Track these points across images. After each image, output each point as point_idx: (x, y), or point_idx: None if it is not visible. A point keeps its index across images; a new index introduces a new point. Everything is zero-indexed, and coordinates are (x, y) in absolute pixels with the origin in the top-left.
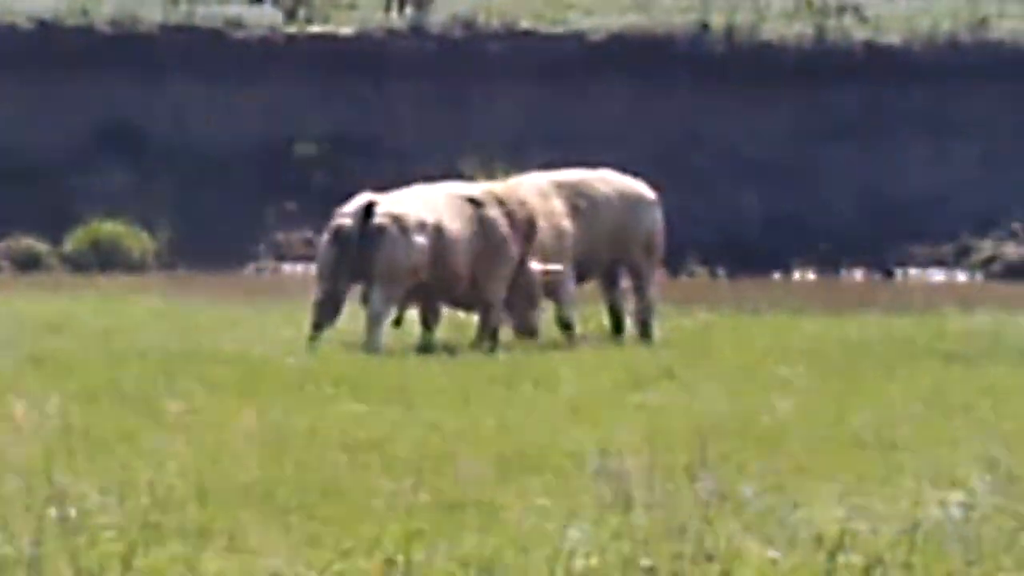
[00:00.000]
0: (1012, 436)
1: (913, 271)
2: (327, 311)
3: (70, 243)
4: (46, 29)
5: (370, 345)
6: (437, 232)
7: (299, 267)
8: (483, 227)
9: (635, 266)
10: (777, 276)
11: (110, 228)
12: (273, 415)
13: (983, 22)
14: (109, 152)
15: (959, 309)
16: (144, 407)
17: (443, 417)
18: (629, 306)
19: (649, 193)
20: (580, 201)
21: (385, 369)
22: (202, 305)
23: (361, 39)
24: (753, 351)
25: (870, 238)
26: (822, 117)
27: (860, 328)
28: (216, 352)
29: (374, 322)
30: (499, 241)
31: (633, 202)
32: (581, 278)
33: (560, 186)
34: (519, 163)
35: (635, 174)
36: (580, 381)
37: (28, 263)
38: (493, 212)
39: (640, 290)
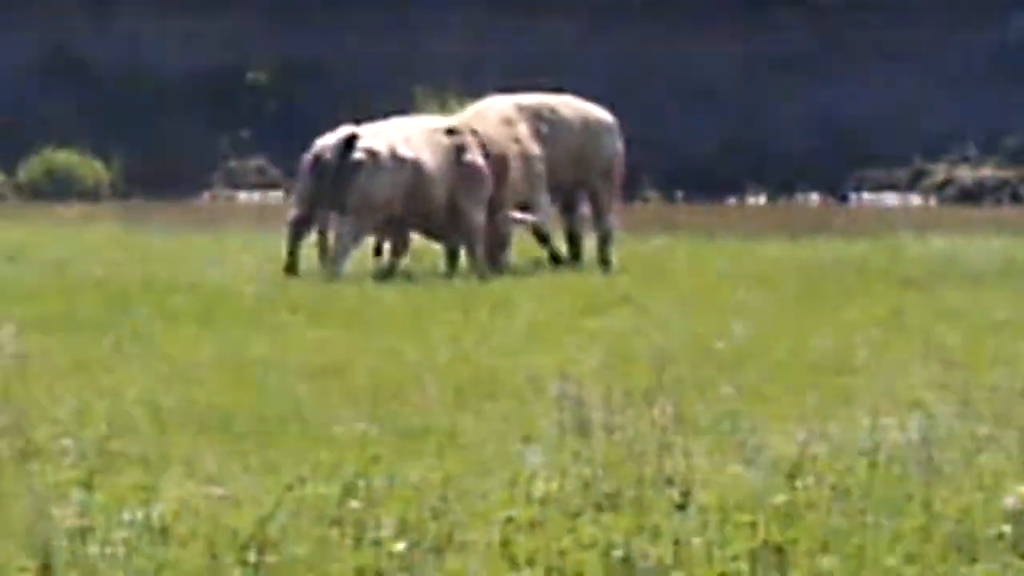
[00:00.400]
0: (969, 359)
1: (867, 195)
2: (300, 235)
3: (23, 173)
4: None
5: (333, 270)
6: (415, 167)
7: (254, 195)
8: (459, 156)
9: (594, 191)
10: (732, 201)
11: (63, 157)
12: (231, 343)
13: None
14: (61, 81)
15: (914, 233)
16: (99, 336)
17: (401, 343)
18: (587, 232)
19: (609, 118)
20: (542, 125)
21: (342, 296)
22: (158, 233)
23: None
24: (710, 276)
25: (824, 163)
26: (774, 43)
27: (816, 252)
28: (173, 281)
29: (341, 251)
30: (475, 169)
31: (594, 127)
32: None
33: (522, 109)
34: (471, 90)
35: (593, 100)
36: (537, 307)
37: None
38: (468, 140)
39: (599, 216)
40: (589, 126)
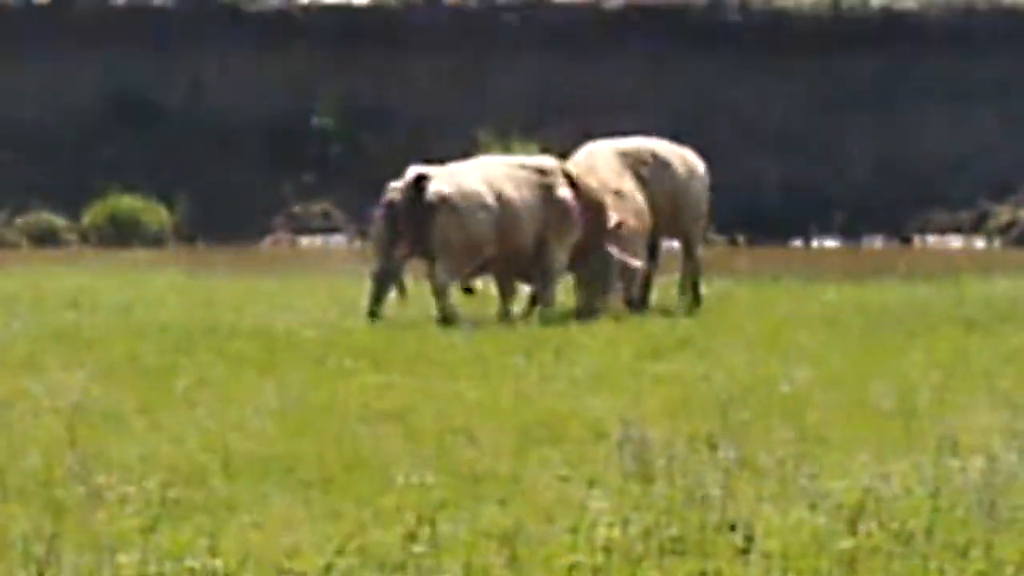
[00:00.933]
0: None
1: (932, 238)
2: (382, 286)
3: (88, 217)
4: (62, 2)
5: (442, 316)
6: (501, 205)
7: (317, 239)
8: (546, 195)
9: (688, 233)
10: (796, 244)
11: (128, 202)
12: (293, 388)
13: None
14: (126, 126)
15: (978, 275)
16: (164, 381)
17: (463, 388)
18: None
19: (701, 163)
20: (642, 168)
21: (405, 341)
22: (221, 278)
23: (376, 10)
24: (773, 319)
25: (888, 205)
26: (839, 85)
27: (879, 295)
28: (236, 326)
29: (439, 293)
30: (566, 208)
31: (690, 170)
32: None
33: (624, 154)
34: (535, 133)
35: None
36: (600, 351)
37: (46, 238)
38: (558, 180)
39: (690, 256)
40: (686, 170)
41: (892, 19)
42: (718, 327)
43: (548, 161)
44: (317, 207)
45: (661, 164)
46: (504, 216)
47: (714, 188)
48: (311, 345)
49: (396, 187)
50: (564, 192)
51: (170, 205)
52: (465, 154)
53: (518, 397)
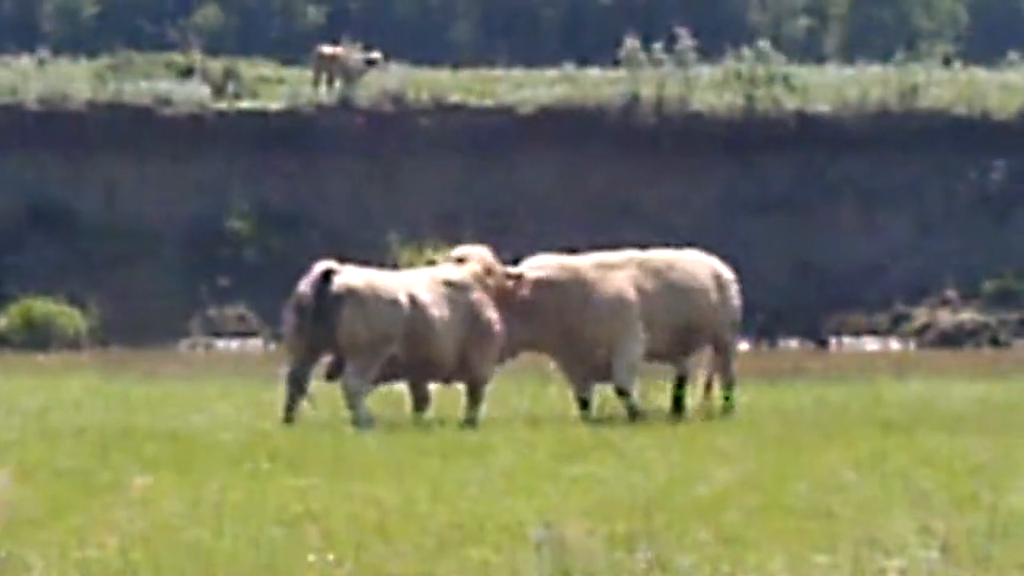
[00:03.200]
0: (949, 503)
1: (848, 340)
2: (296, 388)
3: (3, 321)
4: None
5: (356, 422)
6: (409, 304)
7: (232, 343)
8: (468, 310)
9: (723, 342)
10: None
11: (43, 306)
12: (210, 491)
13: (913, 90)
14: (40, 230)
15: (894, 377)
16: (81, 484)
17: (380, 491)
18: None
19: (731, 273)
20: (672, 277)
21: (321, 443)
22: (137, 382)
23: (290, 114)
24: (689, 420)
25: (804, 308)
26: (754, 187)
27: (796, 397)
28: (152, 429)
29: (351, 397)
30: (485, 324)
31: (723, 281)
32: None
33: (641, 265)
34: (450, 237)
35: (567, 248)
36: (517, 453)
37: None
38: (478, 295)
39: (727, 365)
40: (719, 281)
41: (807, 122)
42: (635, 428)
43: (465, 271)
44: (232, 311)
45: (687, 275)
46: (415, 318)
47: None
48: (227, 448)
49: (305, 283)
50: (480, 305)
51: (85, 309)
52: (380, 260)
53: (435, 500)
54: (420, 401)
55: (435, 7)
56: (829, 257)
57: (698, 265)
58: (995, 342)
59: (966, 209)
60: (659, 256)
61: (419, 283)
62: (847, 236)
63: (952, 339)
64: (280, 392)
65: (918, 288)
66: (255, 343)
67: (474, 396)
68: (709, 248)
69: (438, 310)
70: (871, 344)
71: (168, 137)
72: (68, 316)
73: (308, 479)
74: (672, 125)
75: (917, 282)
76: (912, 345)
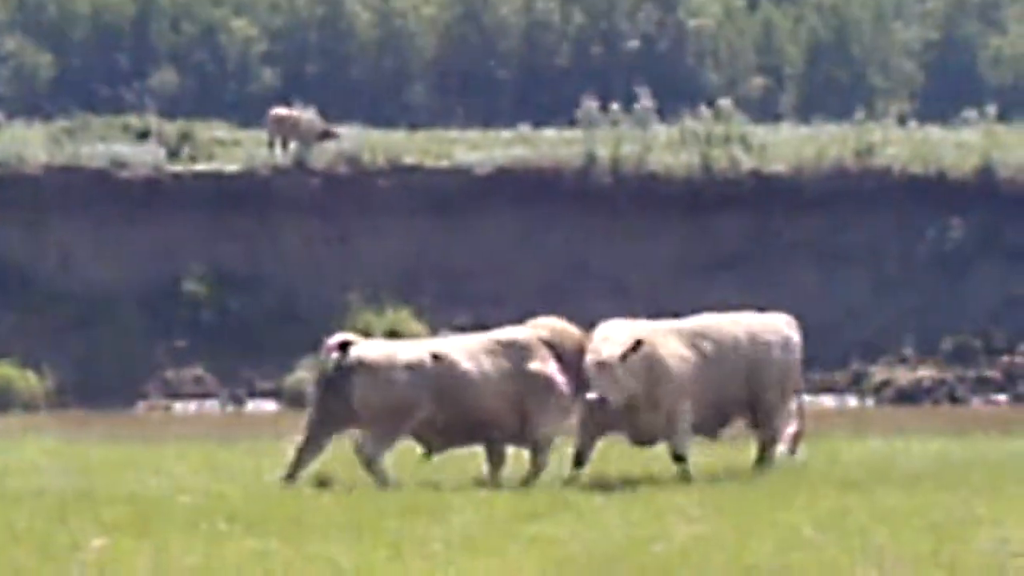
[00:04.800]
0: (908, 561)
1: (806, 398)
2: (304, 455)
3: None
4: None
5: (380, 484)
6: (434, 365)
7: (190, 405)
8: (516, 366)
9: (766, 401)
10: None
11: (0, 369)
12: (169, 554)
13: (869, 149)
14: None
15: (853, 434)
16: (39, 547)
17: (337, 553)
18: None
19: (782, 329)
20: (705, 344)
21: (281, 504)
22: (95, 444)
23: (246, 176)
24: (648, 479)
25: None
26: (710, 246)
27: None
28: (110, 491)
29: (368, 465)
30: (538, 380)
31: (762, 340)
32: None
33: (680, 333)
34: (408, 298)
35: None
36: (474, 512)
37: None
38: (529, 353)
39: (768, 422)
40: (756, 341)
41: (763, 181)
42: (594, 486)
43: (523, 332)
44: (189, 372)
45: (723, 338)
46: (443, 377)
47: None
48: (185, 510)
49: (323, 355)
50: (537, 364)
51: (42, 372)
52: (337, 320)
53: (392, 561)
54: (495, 458)
55: (390, 68)
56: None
57: (762, 329)
58: (953, 399)
59: (923, 267)
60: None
61: (456, 344)
62: (804, 295)
63: (910, 396)
64: (288, 454)
65: (876, 346)
66: (212, 404)
67: (535, 458)
68: (667, 307)
69: (476, 368)
70: (829, 401)
71: (124, 199)
72: (25, 379)
73: (266, 541)
74: (629, 185)
75: (875, 340)
76: (870, 402)
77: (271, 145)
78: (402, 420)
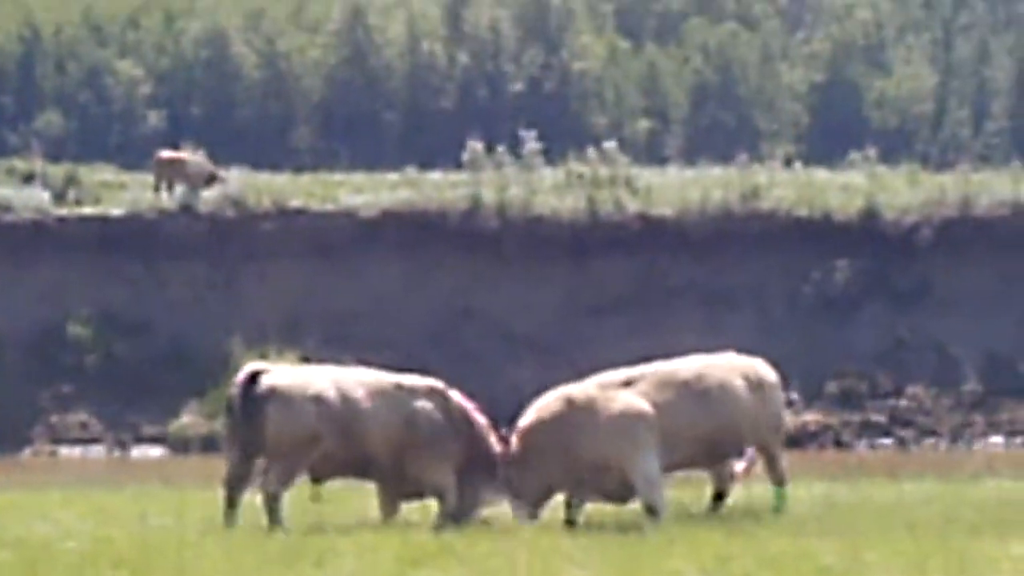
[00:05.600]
0: None
1: None
2: (233, 487)
3: None
4: None
5: (272, 524)
6: (340, 401)
7: (76, 450)
8: (407, 411)
9: (767, 446)
10: None
11: None
12: None
13: (754, 192)
14: None
15: (737, 479)
16: None
17: None
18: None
19: (772, 376)
20: (699, 389)
21: (165, 551)
22: None
23: (132, 220)
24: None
25: None
26: (596, 290)
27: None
28: None
29: (268, 501)
30: (427, 427)
31: (757, 384)
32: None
33: (664, 384)
34: (293, 341)
35: (411, 352)
36: (360, 558)
37: None
38: (423, 399)
39: (774, 467)
40: (751, 385)
41: (649, 225)
42: (480, 534)
43: (424, 381)
44: (75, 417)
45: (718, 384)
46: (345, 416)
47: (474, 395)
48: (71, 556)
49: (234, 385)
50: (427, 409)
51: None
52: (222, 365)
53: None
54: (387, 505)
55: (275, 112)
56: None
57: (729, 371)
58: (838, 443)
59: (809, 310)
60: (681, 366)
61: (355, 380)
62: (690, 338)
63: (795, 440)
64: (219, 495)
65: None
66: (98, 450)
67: (441, 508)
68: (552, 350)
69: (373, 407)
70: None
71: (9, 243)
72: None
73: None
74: (515, 228)
75: None
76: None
77: (157, 189)
78: (306, 455)
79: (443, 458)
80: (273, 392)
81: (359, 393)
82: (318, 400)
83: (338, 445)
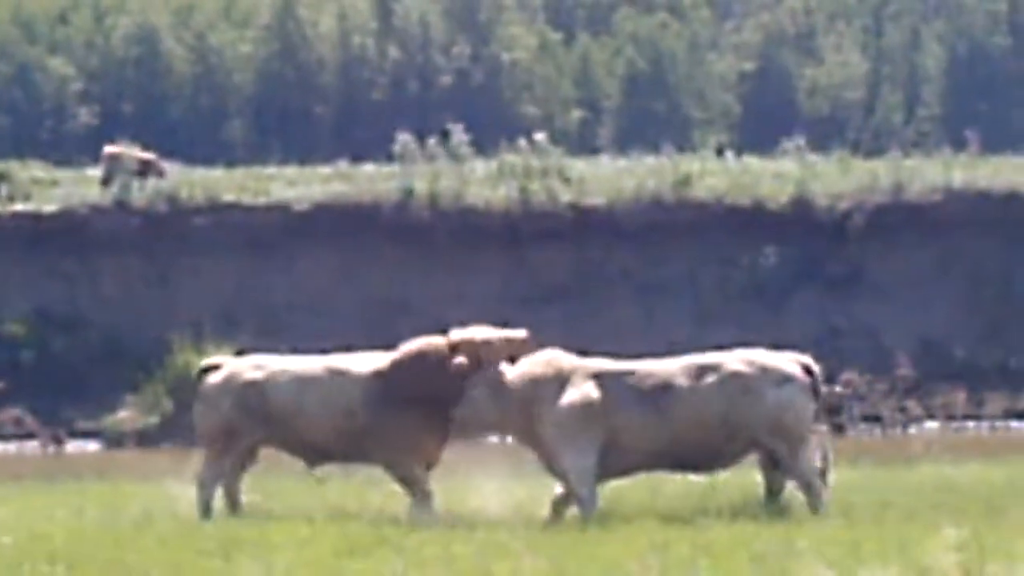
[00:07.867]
0: None
1: None
2: (229, 481)
3: None
4: None
5: (201, 513)
6: (263, 392)
7: (10, 446)
8: (363, 396)
9: (769, 448)
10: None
11: None
12: None
13: (686, 181)
14: None
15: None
16: None
17: None
18: None
19: (782, 369)
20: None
21: (102, 545)
22: None
23: (65, 216)
24: (471, 514)
25: None
26: (530, 280)
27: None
28: None
29: (199, 487)
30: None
31: (749, 384)
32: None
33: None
34: (228, 335)
35: (345, 344)
36: (297, 549)
37: None
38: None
39: (786, 469)
40: (740, 385)
41: (582, 214)
42: (416, 525)
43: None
44: (9, 413)
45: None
46: (279, 402)
47: None
48: (6, 551)
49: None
50: (392, 399)
51: None
52: (158, 359)
53: None
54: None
55: (207, 106)
56: (606, 349)
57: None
58: None
59: (742, 298)
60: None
61: (301, 368)
62: (624, 327)
63: None
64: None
65: None
66: (33, 446)
67: (409, 493)
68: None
69: (314, 395)
70: None
71: None
72: None
73: None
74: (447, 220)
75: None
76: None
77: (105, 183)
78: (233, 443)
79: (399, 446)
80: (200, 387)
81: (289, 381)
82: (238, 393)
83: (271, 434)
